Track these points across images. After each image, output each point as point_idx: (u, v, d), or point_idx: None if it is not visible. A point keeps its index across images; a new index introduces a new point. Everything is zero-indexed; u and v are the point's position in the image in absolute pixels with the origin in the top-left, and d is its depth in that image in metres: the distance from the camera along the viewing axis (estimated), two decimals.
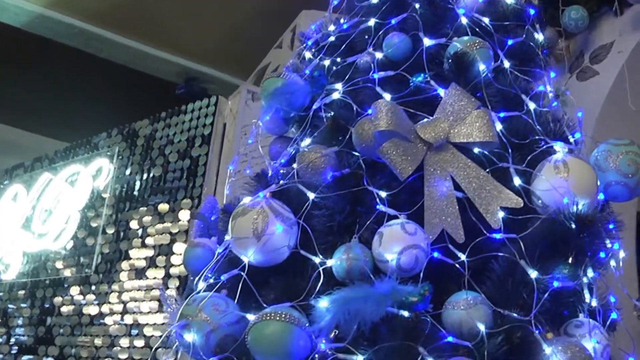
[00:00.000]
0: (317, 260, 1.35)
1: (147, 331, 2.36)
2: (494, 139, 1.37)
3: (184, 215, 2.44)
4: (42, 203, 3.03)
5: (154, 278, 2.43)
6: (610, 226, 1.39)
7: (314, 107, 1.57)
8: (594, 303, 1.33)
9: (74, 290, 2.69)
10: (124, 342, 2.42)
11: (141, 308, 2.41)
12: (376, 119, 1.34)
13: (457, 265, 1.28)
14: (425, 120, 1.40)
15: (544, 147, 1.42)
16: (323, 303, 1.23)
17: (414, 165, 1.34)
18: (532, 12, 1.70)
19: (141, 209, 2.60)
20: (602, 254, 1.33)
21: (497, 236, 1.31)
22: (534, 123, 1.48)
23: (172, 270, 2.39)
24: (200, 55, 3.94)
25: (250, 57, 3.71)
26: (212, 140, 2.52)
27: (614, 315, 1.38)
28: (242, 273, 1.35)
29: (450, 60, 1.52)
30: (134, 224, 2.60)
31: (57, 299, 2.74)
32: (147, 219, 2.56)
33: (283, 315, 1.21)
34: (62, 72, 3.80)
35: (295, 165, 1.47)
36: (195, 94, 4.10)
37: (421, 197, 1.37)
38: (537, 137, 1.46)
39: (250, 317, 1.30)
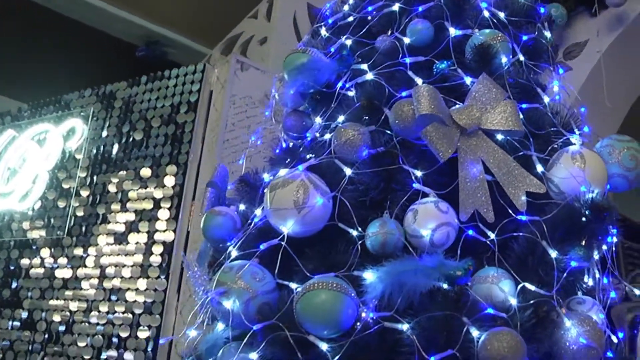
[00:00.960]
0: (354, 233, 1.42)
1: (130, 297, 2.36)
2: (520, 128, 1.48)
3: (169, 181, 2.44)
4: (4, 161, 2.93)
5: (136, 243, 2.42)
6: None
7: (347, 85, 1.63)
8: (591, 282, 1.48)
9: (44, 253, 2.63)
10: (103, 307, 2.40)
11: (122, 273, 2.41)
12: (418, 103, 1.42)
13: (488, 243, 1.39)
14: (459, 106, 1.49)
15: (564, 138, 1.54)
16: (371, 275, 1.32)
17: (452, 148, 1.43)
18: (542, 10, 1.82)
19: (120, 173, 2.57)
20: (609, 239, 1.47)
21: (523, 218, 1.42)
22: (550, 115, 1.60)
23: (157, 236, 2.39)
24: (166, 19, 3.87)
25: (217, 25, 3.69)
26: (198, 108, 2.51)
27: (612, 295, 1.53)
28: (283, 243, 1.41)
29: (474, 51, 1.61)
30: (112, 188, 2.57)
31: (24, 261, 2.68)
32: (127, 183, 2.53)
33: (334, 285, 1.28)
34: (23, 30, 3.64)
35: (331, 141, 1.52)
36: (155, 57, 4.04)
37: (448, 178, 1.47)
38: (552, 129, 1.59)
39: (293, 285, 1.37)
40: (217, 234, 1.66)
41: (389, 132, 1.51)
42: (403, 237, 1.40)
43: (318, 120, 1.74)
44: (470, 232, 1.39)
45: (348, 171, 1.47)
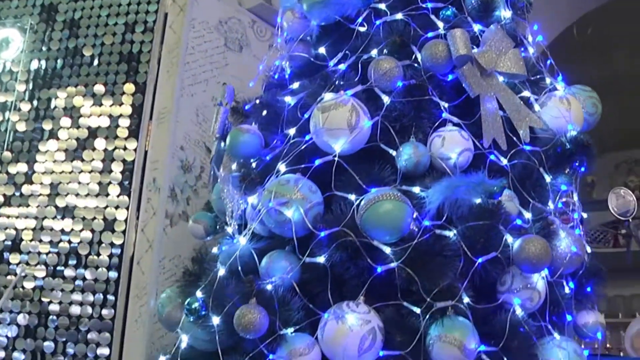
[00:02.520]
0: (393, 153, 1.61)
1: (88, 214, 2.34)
2: (525, 73, 1.75)
3: (127, 99, 2.42)
4: None
5: (92, 160, 2.39)
6: None
7: (377, 22, 1.77)
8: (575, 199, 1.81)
9: None
10: (57, 225, 2.36)
11: (79, 191, 2.37)
12: (455, 44, 1.62)
13: (505, 167, 1.65)
14: (478, 50, 1.72)
15: (552, 84, 1.83)
16: (418, 189, 1.53)
17: (480, 86, 1.66)
18: None
19: (69, 88, 2.48)
20: (582, 169, 1.81)
21: (527, 148, 1.71)
22: (536, 64, 1.89)
23: (116, 154, 2.37)
24: None
25: None
26: (155, 29, 2.49)
27: (584, 214, 1.87)
28: (337, 158, 1.56)
29: (478, 2, 1.84)
30: (60, 103, 2.48)
31: None
32: (78, 99, 2.46)
33: (397, 196, 1.47)
34: None
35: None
36: None
37: (463, 111, 1.70)
38: (538, 76, 1.88)
39: (352, 197, 1.53)
40: (244, 151, 1.76)
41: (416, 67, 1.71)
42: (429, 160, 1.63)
43: (322, 50, 1.88)
44: (492, 156, 1.65)
45: (386, 99, 1.65)
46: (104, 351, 2.22)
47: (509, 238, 1.50)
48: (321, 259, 1.48)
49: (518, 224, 1.56)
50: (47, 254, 2.35)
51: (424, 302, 1.43)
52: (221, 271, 1.63)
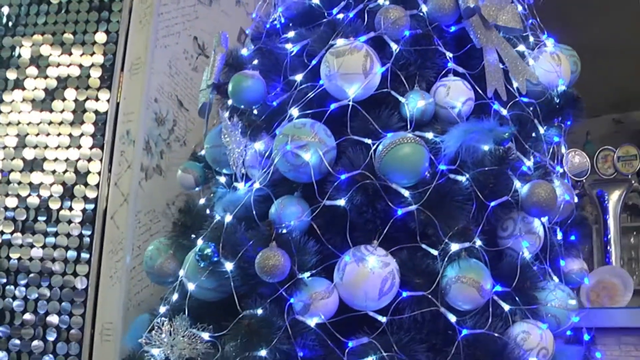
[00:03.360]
0: (402, 100, 1.63)
1: (59, 167, 2.24)
2: (521, 27, 1.80)
3: (99, 49, 2.32)
4: None
5: (62, 111, 2.28)
6: None
7: None
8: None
9: None
10: (24, 178, 2.24)
11: (48, 143, 2.26)
12: None
13: (505, 116, 1.70)
14: (481, 2, 1.75)
15: (543, 41, 1.89)
16: (431, 134, 1.56)
17: (486, 37, 1.69)
18: None
19: (35, 37, 2.35)
20: (568, 122, 1.89)
21: (525, 100, 1.76)
22: (524, 20, 1.94)
23: (88, 105, 2.27)
24: None
25: None
26: None
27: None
28: (352, 103, 1.56)
29: None
30: (25, 52, 2.34)
31: None
32: (45, 48, 2.33)
33: (415, 139, 1.49)
34: None
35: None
36: None
37: (463, 64, 1.74)
38: (527, 33, 1.93)
39: (368, 140, 1.54)
40: (248, 97, 1.73)
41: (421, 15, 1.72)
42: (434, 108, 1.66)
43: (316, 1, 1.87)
44: (496, 105, 1.69)
45: (395, 47, 1.66)
46: (78, 309, 2.15)
47: (517, 183, 1.56)
48: (341, 202, 1.48)
49: (524, 170, 1.61)
50: (14, 208, 2.24)
51: (440, 245, 1.47)
52: (228, 217, 1.60)
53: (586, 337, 1.71)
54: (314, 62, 1.67)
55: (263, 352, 1.38)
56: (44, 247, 2.20)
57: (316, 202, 1.55)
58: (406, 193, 1.48)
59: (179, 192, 2.40)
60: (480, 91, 1.68)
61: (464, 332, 1.42)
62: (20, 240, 2.21)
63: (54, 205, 2.22)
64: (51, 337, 2.13)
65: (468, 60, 1.74)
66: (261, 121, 1.68)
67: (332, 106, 1.58)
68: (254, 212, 1.55)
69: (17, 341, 2.14)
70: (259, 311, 1.44)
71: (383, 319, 1.43)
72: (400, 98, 1.63)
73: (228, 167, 1.81)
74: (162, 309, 1.70)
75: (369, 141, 1.54)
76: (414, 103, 1.62)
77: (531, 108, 1.76)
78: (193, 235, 1.83)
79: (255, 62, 1.84)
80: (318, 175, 1.53)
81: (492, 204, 1.52)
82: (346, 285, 1.44)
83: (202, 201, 1.92)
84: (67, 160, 2.25)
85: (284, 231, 1.50)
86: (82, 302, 2.15)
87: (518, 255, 1.54)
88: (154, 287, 2.27)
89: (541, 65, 1.83)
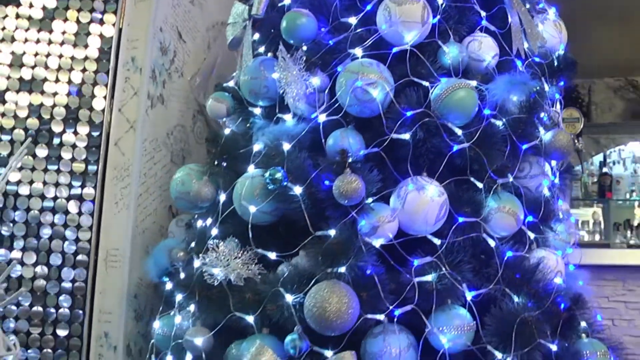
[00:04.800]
0: (446, 49, 1.80)
1: (61, 89, 2.19)
2: None
3: None
4: None
5: (64, 33, 2.22)
6: None
7: None
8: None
9: None
10: (22, 100, 2.17)
11: (49, 63, 2.19)
12: None
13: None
14: None
15: (546, 11, 2.13)
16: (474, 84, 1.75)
17: (515, 1, 1.90)
18: None
19: None
20: (561, 83, 2.15)
21: (537, 59, 2.00)
22: None
23: (92, 28, 2.22)
24: None
25: None
26: None
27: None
28: (409, 47, 1.72)
29: None
30: None
31: None
32: None
33: (469, 85, 1.68)
34: None
35: None
36: None
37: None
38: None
39: (425, 83, 1.70)
40: (302, 34, 1.82)
41: None
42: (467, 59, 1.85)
43: None
44: (519, 62, 1.91)
45: (441, 0, 1.82)
46: (85, 234, 2.15)
47: (541, 130, 1.80)
48: (406, 136, 1.64)
49: (545, 120, 1.85)
50: (11, 129, 2.17)
51: (484, 179, 1.68)
52: (286, 146, 1.71)
53: (571, 267, 2.00)
54: (368, 7, 1.79)
55: (343, 269, 1.52)
56: (45, 170, 2.16)
57: (368, 136, 1.70)
58: (459, 132, 1.67)
59: (177, 123, 2.44)
60: (507, 48, 1.89)
61: (509, 253, 1.65)
62: (20, 162, 2.15)
63: (56, 128, 2.17)
64: (56, 262, 2.11)
65: (491, 21, 1.94)
66: (316, 59, 1.78)
67: (395, 49, 1.72)
68: (323, 141, 1.67)
69: (19, 266, 2.11)
70: (332, 232, 1.58)
71: (438, 242, 1.63)
72: (444, 47, 1.80)
73: (266, 99, 1.91)
74: (214, 231, 1.77)
75: (427, 84, 1.70)
76: (454, 53, 1.79)
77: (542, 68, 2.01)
78: (224, 163, 1.92)
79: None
80: (378, 111, 1.68)
81: (525, 146, 1.75)
82: (407, 211, 1.62)
83: (226, 131, 1.99)
84: (70, 82, 2.20)
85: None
86: (89, 228, 2.15)
87: (541, 192, 1.79)
88: (156, 214, 2.32)
89: (546, 30, 2.06)
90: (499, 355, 1.57)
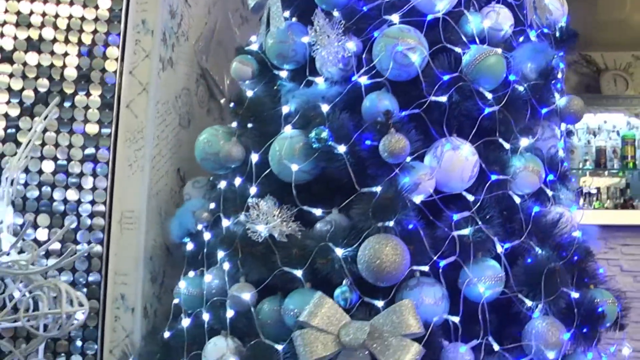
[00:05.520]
0: (470, 18, 1.89)
1: (70, 50, 2.15)
2: None
3: None
4: None
5: None
6: None
7: None
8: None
9: None
10: (31, 59, 2.13)
11: (58, 24, 2.15)
12: None
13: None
14: None
15: None
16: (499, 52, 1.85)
17: None
18: None
19: None
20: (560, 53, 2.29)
21: (545, 30, 2.11)
22: None
23: (101, 2, 2.20)
24: None
25: None
26: None
27: None
28: (442, 16, 1.80)
29: None
30: None
31: None
32: None
33: (498, 52, 1.78)
34: None
35: None
36: None
37: None
38: None
39: (458, 49, 1.79)
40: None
41: None
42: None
43: None
44: (532, 33, 2.02)
45: None
46: (100, 197, 2.14)
47: (556, 95, 1.92)
48: (443, 99, 1.73)
49: (558, 87, 1.98)
50: (20, 91, 2.12)
51: (509, 140, 1.79)
52: (325, 107, 1.76)
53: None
54: None
55: (391, 223, 1.60)
56: (57, 132, 2.13)
57: (401, 99, 1.78)
58: (489, 96, 1.78)
59: (183, 86, 2.44)
60: (521, 17, 2.00)
61: (536, 208, 1.77)
62: (30, 124, 2.11)
63: (68, 90, 2.14)
64: (71, 225, 2.10)
65: None
66: (350, 24, 1.83)
67: (429, 17, 1.79)
68: (366, 103, 1.73)
69: (31, 230, 2.07)
70: (377, 189, 1.65)
71: (471, 198, 1.73)
72: (469, 16, 1.88)
73: (293, 62, 1.96)
74: (253, 190, 1.81)
75: (459, 50, 1.79)
76: (477, 23, 1.89)
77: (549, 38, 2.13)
78: (249, 125, 1.96)
79: None
80: (414, 75, 1.75)
81: (544, 110, 1.87)
82: (444, 169, 1.71)
83: (249, 94, 2.02)
84: (80, 43, 2.17)
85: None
86: (104, 190, 2.14)
87: (556, 154, 1.92)
88: (168, 177, 2.34)
89: (552, 2, 2.19)
90: (528, 302, 1.70)
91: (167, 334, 1.96)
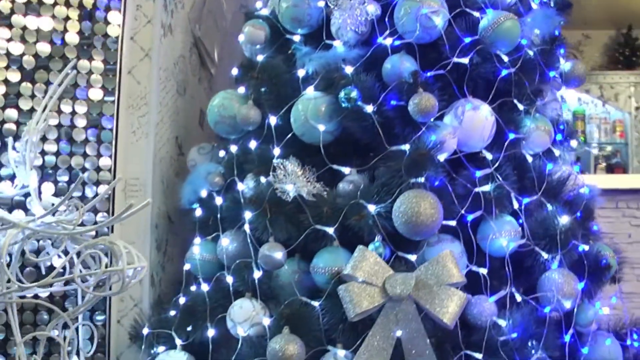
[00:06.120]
0: None
1: (72, 14, 2.09)
2: None
3: None
4: None
5: None
6: None
7: None
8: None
9: None
10: (31, 22, 2.05)
11: None
12: None
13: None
14: None
15: None
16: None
17: None
18: None
19: None
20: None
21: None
22: None
23: None
24: None
25: None
26: None
27: None
28: None
29: None
30: None
31: None
32: None
33: (514, 17, 1.84)
34: None
35: None
36: None
37: None
38: None
39: (476, 13, 1.84)
40: None
41: None
42: None
43: None
44: (536, 0, 2.10)
45: None
46: (106, 161, 2.10)
47: (562, 60, 2.01)
48: (465, 60, 1.78)
49: (562, 52, 2.07)
50: (21, 55, 2.04)
51: (525, 101, 1.87)
52: (349, 69, 1.79)
53: None
54: None
55: (422, 179, 1.65)
56: (60, 99, 2.06)
57: (421, 62, 1.82)
58: (506, 58, 1.84)
59: (180, 54, 2.42)
60: None
61: (549, 166, 1.86)
62: (31, 90, 2.04)
63: (70, 55, 2.08)
64: (76, 194, 2.05)
65: None
66: None
67: None
68: (387, 65, 1.77)
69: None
70: (406, 147, 1.70)
71: (490, 156, 1.80)
72: None
73: (307, 27, 1.97)
74: (277, 151, 1.82)
75: (478, 14, 1.84)
76: None
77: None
78: (263, 89, 1.97)
79: None
80: (436, 38, 1.80)
81: (552, 73, 1.96)
82: (465, 128, 1.76)
83: (259, 58, 2.03)
84: (81, 6, 2.11)
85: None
86: (109, 156, 2.10)
87: (560, 115, 2.01)
88: (169, 144, 2.31)
89: None
90: (545, 255, 1.78)
91: (182, 300, 1.95)
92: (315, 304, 1.65)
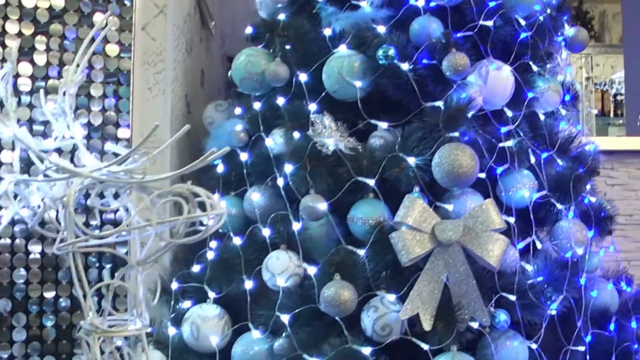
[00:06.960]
0: None
1: None
2: None
3: None
4: None
5: None
6: None
7: None
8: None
9: None
10: None
11: None
12: None
13: None
14: None
15: None
16: None
17: None
18: None
19: None
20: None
21: None
22: None
23: None
24: None
25: None
26: None
27: None
28: None
29: None
30: None
31: None
32: None
33: None
34: None
35: None
36: None
37: None
38: None
39: None
40: None
41: None
42: None
43: None
44: None
45: None
46: (124, 120, 2.08)
47: (566, 26, 2.14)
48: (490, 23, 1.87)
49: (565, 19, 2.19)
50: (35, 8, 1.99)
51: (539, 63, 1.99)
52: (381, 28, 1.85)
53: None
54: None
55: (456, 134, 1.75)
56: (74, 53, 2.02)
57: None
58: (523, 22, 1.95)
59: (187, 12, 2.41)
60: None
61: (562, 124, 1.99)
62: (45, 44, 2.00)
63: (85, 9, 2.05)
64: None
65: None
66: None
67: None
68: (415, 26, 1.84)
69: None
70: (439, 103, 1.78)
71: (510, 114, 1.91)
72: None
73: None
74: (313, 107, 1.87)
75: None
76: None
77: None
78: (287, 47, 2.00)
79: None
80: (460, 1, 1.89)
81: (559, 38, 2.09)
82: (489, 87, 1.86)
83: (281, 16, 2.05)
84: None
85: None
86: (127, 113, 2.09)
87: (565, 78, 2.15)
88: (181, 102, 2.31)
89: None
90: (559, 206, 1.92)
91: (210, 255, 1.98)
92: (361, 252, 1.72)
